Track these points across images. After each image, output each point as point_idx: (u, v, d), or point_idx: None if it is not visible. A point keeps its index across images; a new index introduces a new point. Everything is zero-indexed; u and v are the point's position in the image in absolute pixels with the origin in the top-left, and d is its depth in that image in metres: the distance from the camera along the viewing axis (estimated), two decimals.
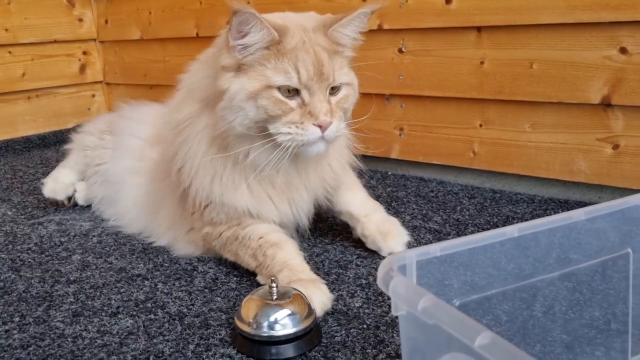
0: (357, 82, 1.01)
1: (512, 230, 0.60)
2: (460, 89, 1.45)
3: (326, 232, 1.22)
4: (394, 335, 0.82)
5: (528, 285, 0.71)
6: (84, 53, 2.37)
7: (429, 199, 1.39)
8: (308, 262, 1.00)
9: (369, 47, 1.47)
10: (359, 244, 1.12)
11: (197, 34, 2.01)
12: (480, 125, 1.45)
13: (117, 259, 1.13)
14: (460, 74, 1.44)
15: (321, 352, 0.79)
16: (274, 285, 0.81)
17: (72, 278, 1.05)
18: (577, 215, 0.63)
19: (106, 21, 2.37)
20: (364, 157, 1.18)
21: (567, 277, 0.69)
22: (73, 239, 1.24)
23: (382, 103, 1.60)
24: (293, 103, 0.91)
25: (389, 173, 1.63)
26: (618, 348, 0.76)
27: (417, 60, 1.51)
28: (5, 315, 0.93)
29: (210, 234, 1.06)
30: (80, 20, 2.34)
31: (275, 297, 0.81)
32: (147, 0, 2.17)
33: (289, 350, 0.79)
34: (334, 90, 0.95)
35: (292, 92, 0.92)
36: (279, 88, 0.91)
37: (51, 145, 2.18)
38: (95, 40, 2.40)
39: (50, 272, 1.08)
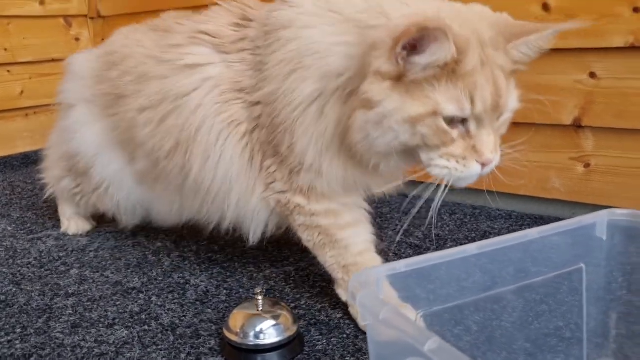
0: None
1: (472, 248, 0.67)
2: None
3: None
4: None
5: (493, 298, 0.78)
6: None
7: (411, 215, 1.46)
8: (294, 276, 1.06)
9: None
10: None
11: None
12: None
13: (113, 273, 1.19)
14: None
15: (308, 356, 0.86)
16: (260, 298, 0.87)
17: (70, 291, 1.11)
18: (531, 234, 0.70)
19: (102, 40, 2.43)
20: None
21: (528, 289, 0.76)
22: (71, 253, 1.30)
23: None
24: (455, 133, 0.77)
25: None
26: (576, 355, 0.82)
27: None
28: (8, 326, 0.98)
29: (300, 208, 0.96)
30: (77, 39, 2.41)
31: (261, 309, 0.87)
32: (143, 20, 2.24)
33: (273, 358, 0.85)
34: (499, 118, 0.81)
35: (457, 120, 0.77)
36: (445, 117, 0.75)
37: None
38: None
39: (50, 285, 1.14)
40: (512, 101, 0.81)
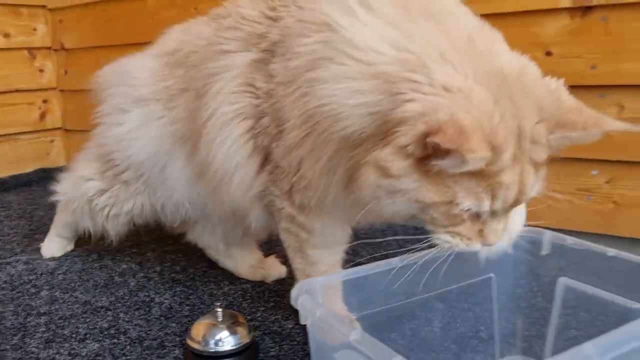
0: None
1: (397, 261, 0.80)
2: None
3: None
4: None
5: (423, 305, 0.92)
6: (44, 101, 2.52)
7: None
8: (250, 292, 1.18)
9: None
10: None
11: None
12: None
13: (81, 293, 1.28)
14: None
15: None
16: (219, 310, 0.99)
17: (42, 311, 1.20)
18: None
19: (65, 72, 2.52)
20: None
21: (445, 297, 0.90)
22: (40, 276, 1.38)
23: None
24: (466, 215, 0.74)
25: None
26: (490, 353, 0.97)
27: None
28: None
29: (291, 217, 0.98)
30: (41, 70, 2.50)
31: (220, 320, 0.99)
32: (106, 54, 2.33)
33: None
34: None
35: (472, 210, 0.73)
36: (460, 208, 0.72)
37: (11, 189, 2.29)
38: (55, 89, 2.55)
39: (22, 306, 1.22)
40: (534, 192, 0.75)
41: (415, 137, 0.67)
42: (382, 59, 0.74)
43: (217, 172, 1.01)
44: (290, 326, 1.09)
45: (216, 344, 0.97)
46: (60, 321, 1.15)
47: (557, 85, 0.75)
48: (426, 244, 0.77)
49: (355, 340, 0.60)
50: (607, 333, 0.59)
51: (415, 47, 0.73)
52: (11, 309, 1.21)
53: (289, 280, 1.31)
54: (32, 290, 1.31)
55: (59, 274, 1.40)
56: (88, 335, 1.09)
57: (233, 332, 0.98)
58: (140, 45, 2.17)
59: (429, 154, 0.67)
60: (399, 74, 0.72)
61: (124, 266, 1.43)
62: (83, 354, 1.02)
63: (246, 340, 0.98)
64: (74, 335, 1.09)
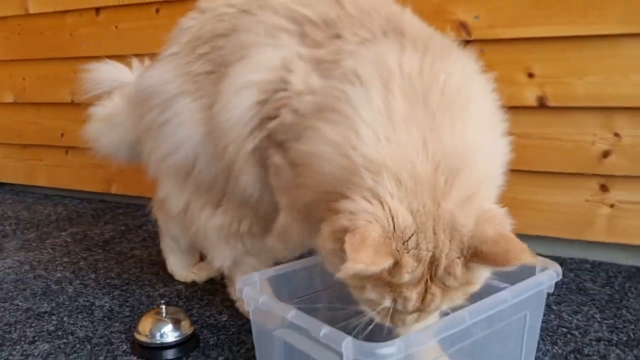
0: None
1: (316, 258, 0.98)
2: None
3: None
4: (251, 337, 1.17)
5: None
6: None
7: None
8: (185, 292, 1.32)
9: None
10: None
11: (72, 101, 2.24)
12: None
13: (21, 301, 1.36)
14: None
15: (200, 352, 1.12)
16: (163, 307, 1.13)
17: None
18: None
19: None
20: None
21: None
22: None
23: None
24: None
25: None
26: None
27: None
28: None
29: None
30: None
31: (164, 315, 1.12)
32: (20, 69, 2.36)
33: (175, 352, 1.10)
34: None
35: None
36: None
37: None
38: None
39: None
40: (445, 306, 0.78)
41: (339, 228, 0.73)
42: (357, 150, 0.78)
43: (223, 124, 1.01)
44: (224, 319, 1.25)
45: (162, 336, 1.10)
46: (5, 327, 1.24)
47: (491, 216, 0.75)
48: None
49: (292, 317, 0.77)
50: (478, 302, 0.80)
51: (388, 152, 0.76)
52: None
53: (217, 281, 1.45)
54: None
55: None
56: (37, 338, 1.18)
57: (176, 325, 1.12)
58: (57, 60, 2.23)
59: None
60: (359, 170, 0.76)
61: (59, 275, 1.52)
62: (35, 354, 1.12)
63: (188, 331, 1.13)
64: (22, 339, 1.18)
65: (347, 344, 0.69)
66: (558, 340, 1.12)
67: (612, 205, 1.48)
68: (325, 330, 0.72)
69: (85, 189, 2.31)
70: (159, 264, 1.57)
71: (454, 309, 0.79)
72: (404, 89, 0.80)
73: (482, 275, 0.77)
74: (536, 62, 1.47)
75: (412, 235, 0.73)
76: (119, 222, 1.99)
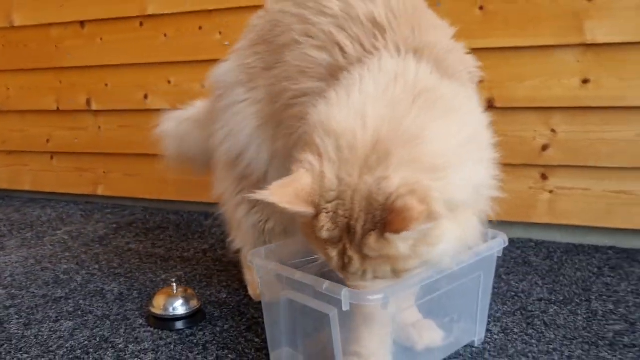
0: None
1: None
2: None
3: (194, 253, 1.72)
4: (249, 309, 1.35)
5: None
6: None
7: None
8: (184, 278, 1.49)
9: None
10: (218, 261, 1.64)
11: (57, 108, 2.37)
12: None
13: (36, 289, 1.51)
14: None
15: (207, 323, 1.30)
16: (174, 285, 1.30)
17: (7, 305, 1.42)
18: None
19: None
20: None
21: None
22: None
23: None
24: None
25: None
26: None
27: None
28: None
29: None
30: None
31: (175, 292, 1.30)
32: (3, 78, 2.48)
33: (186, 323, 1.28)
34: None
35: None
36: None
37: None
38: None
39: None
40: (375, 275, 0.85)
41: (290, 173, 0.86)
42: (320, 115, 0.90)
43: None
44: (224, 296, 1.43)
45: (173, 309, 1.28)
46: (28, 310, 1.39)
47: (409, 190, 0.78)
48: None
49: (298, 277, 0.97)
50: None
51: (339, 119, 0.86)
52: None
53: (215, 266, 1.63)
54: None
55: (6, 277, 1.60)
56: (59, 318, 1.34)
57: (186, 301, 1.30)
58: (42, 70, 2.36)
59: None
60: (316, 129, 0.87)
61: (65, 267, 1.67)
62: (62, 329, 1.28)
63: (196, 306, 1.31)
64: (46, 319, 1.34)
65: (345, 293, 0.89)
66: (508, 302, 1.35)
67: (551, 191, 1.73)
68: (326, 284, 0.92)
69: (71, 191, 2.44)
70: (156, 255, 1.74)
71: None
72: (380, 82, 0.91)
73: (401, 247, 0.80)
74: (484, 69, 1.69)
75: (334, 200, 0.82)
76: (110, 221, 2.14)
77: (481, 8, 1.68)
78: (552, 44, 1.62)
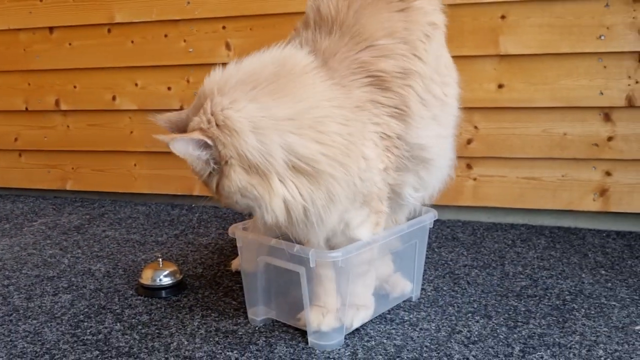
0: None
1: None
2: None
3: (167, 238, 1.93)
4: (224, 280, 1.59)
5: None
6: None
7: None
8: (162, 257, 1.71)
9: None
10: (190, 244, 1.86)
11: (26, 108, 2.52)
12: None
13: (28, 270, 1.69)
14: None
15: (189, 291, 1.53)
16: (160, 259, 1.53)
17: (4, 283, 1.60)
18: None
19: None
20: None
21: None
22: None
23: None
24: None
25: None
26: None
27: None
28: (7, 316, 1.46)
29: None
30: None
31: (160, 265, 1.52)
32: None
33: (170, 292, 1.51)
34: None
35: None
36: None
37: None
38: None
39: None
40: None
41: None
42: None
43: None
44: (200, 271, 1.66)
45: (160, 280, 1.50)
46: (26, 286, 1.58)
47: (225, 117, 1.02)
48: None
49: (274, 243, 1.22)
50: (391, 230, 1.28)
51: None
52: None
53: (188, 248, 1.86)
54: None
55: None
56: (56, 292, 1.54)
57: (170, 273, 1.52)
58: (10, 72, 2.50)
59: None
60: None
61: (50, 252, 1.85)
62: (62, 301, 1.48)
63: (179, 277, 1.53)
64: (45, 293, 1.53)
65: (312, 253, 1.15)
66: (439, 268, 1.64)
67: (475, 179, 2.04)
68: (297, 247, 1.17)
69: (39, 187, 2.59)
70: (132, 240, 1.94)
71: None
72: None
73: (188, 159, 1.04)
74: None
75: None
76: (81, 213, 2.31)
77: None
78: (473, 54, 1.93)
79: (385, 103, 1.15)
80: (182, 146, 1.02)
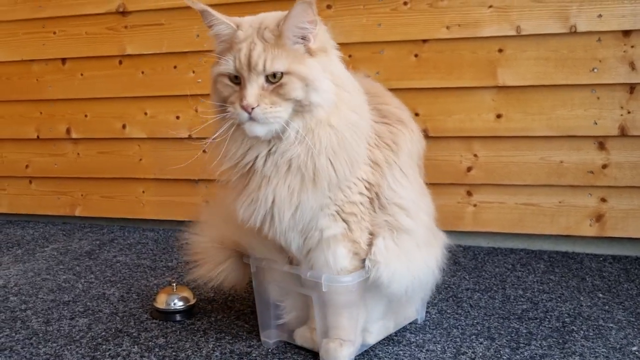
0: (316, 74, 1.10)
1: None
2: None
3: (177, 263, 1.98)
4: (236, 304, 1.64)
5: None
6: None
7: None
8: (174, 283, 1.77)
9: None
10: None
11: (37, 137, 2.58)
12: None
13: (44, 295, 1.74)
14: None
15: (202, 314, 1.58)
16: (174, 284, 1.58)
17: (22, 308, 1.65)
18: None
19: None
20: None
21: None
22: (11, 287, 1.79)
23: None
24: (237, 87, 1.11)
25: None
26: None
27: None
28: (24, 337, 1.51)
29: None
30: None
31: (174, 290, 1.58)
32: None
33: (184, 315, 1.56)
34: (274, 78, 1.08)
35: (237, 79, 1.10)
36: (228, 75, 1.11)
37: None
38: None
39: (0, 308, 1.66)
40: (274, 64, 1.07)
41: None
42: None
43: None
44: (212, 295, 1.71)
45: (174, 304, 1.56)
46: (43, 311, 1.63)
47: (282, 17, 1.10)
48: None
49: (287, 268, 1.28)
50: None
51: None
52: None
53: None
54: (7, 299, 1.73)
55: (12, 286, 1.82)
56: (74, 316, 1.59)
57: (184, 297, 1.58)
58: (23, 102, 2.58)
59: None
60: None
61: (63, 277, 1.90)
62: (80, 324, 1.53)
63: (192, 301, 1.59)
64: (62, 317, 1.58)
65: (325, 277, 1.21)
66: (442, 291, 1.70)
67: (475, 205, 2.11)
68: (310, 272, 1.24)
69: (49, 213, 2.65)
70: (143, 265, 2.00)
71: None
72: None
73: (287, 43, 1.10)
74: (419, 105, 2.09)
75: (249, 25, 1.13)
76: (91, 238, 2.37)
77: (416, 55, 2.06)
78: (472, 86, 2.02)
79: None
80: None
